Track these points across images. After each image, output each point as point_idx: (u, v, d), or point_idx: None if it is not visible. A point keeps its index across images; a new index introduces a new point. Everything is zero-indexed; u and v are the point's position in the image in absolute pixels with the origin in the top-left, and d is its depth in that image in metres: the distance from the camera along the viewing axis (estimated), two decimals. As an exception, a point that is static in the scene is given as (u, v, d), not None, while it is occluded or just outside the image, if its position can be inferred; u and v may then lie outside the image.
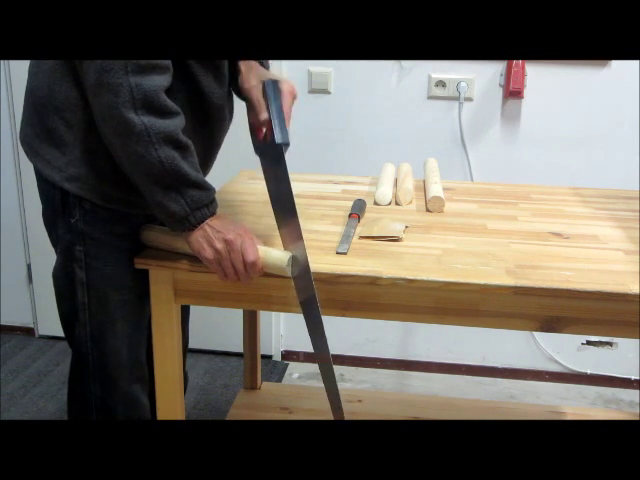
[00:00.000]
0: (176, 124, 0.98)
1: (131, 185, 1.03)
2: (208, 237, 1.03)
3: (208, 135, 1.15)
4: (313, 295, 1.06)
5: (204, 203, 1.03)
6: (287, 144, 1.06)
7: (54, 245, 1.17)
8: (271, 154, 1.08)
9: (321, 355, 1.11)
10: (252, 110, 1.13)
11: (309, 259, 1.06)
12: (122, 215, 1.11)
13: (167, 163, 0.97)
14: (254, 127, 1.13)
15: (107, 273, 1.12)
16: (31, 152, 1.11)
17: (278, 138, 1.05)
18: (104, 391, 1.18)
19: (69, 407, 1.24)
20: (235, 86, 1.17)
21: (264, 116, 1.09)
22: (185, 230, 1.04)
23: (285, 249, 1.09)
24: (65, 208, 1.10)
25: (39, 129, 1.08)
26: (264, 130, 1.11)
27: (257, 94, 1.11)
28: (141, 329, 1.20)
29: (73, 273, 1.12)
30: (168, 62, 0.97)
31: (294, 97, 1.14)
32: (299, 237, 1.06)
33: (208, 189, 1.04)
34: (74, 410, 1.24)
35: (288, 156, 1.07)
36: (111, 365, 1.17)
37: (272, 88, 1.09)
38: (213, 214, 1.05)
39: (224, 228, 1.04)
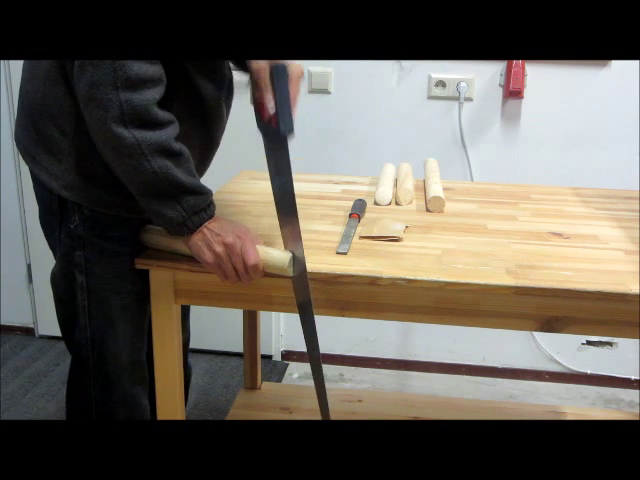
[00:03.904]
0: (168, 133, 0.98)
1: (128, 191, 1.03)
2: (207, 240, 1.03)
3: (206, 136, 1.15)
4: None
5: (201, 207, 1.03)
6: (291, 133, 1.06)
7: (52, 247, 1.17)
8: (274, 138, 1.07)
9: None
10: (257, 89, 1.10)
11: (309, 259, 1.06)
12: (121, 219, 1.11)
13: (161, 173, 0.97)
14: (259, 106, 1.11)
15: (107, 277, 1.12)
16: (27, 156, 1.11)
17: (282, 128, 1.05)
18: (104, 394, 1.18)
19: (68, 411, 1.24)
20: (240, 61, 1.15)
21: (270, 98, 1.07)
22: (184, 235, 1.04)
23: (285, 248, 1.09)
24: (63, 213, 1.10)
25: (34, 134, 1.08)
26: (269, 112, 1.08)
27: (265, 76, 1.07)
28: (141, 331, 1.20)
29: (73, 278, 1.12)
30: (160, 74, 0.97)
31: (301, 78, 1.12)
32: (298, 236, 1.06)
33: (205, 193, 1.03)
34: (74, 414, 1.23)
35: (290, 156, 1.07)
36: (111, 368, 1.17)
37: (281, 74, 1.07)
38: (211, 217, 1.05)
39: (223, 231, 1.04)
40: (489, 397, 2.18)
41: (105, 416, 1.20)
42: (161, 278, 1.13)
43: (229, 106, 1.21)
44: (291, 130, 1.05)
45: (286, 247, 1.09)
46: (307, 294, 1.06)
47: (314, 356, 1.12)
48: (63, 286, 1.15)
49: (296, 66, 1.10)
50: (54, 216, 1.11)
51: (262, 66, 1.08)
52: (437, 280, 1.06)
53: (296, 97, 1.09)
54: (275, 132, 1.06)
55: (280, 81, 1.06)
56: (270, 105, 1.06)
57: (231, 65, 1.21)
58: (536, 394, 2.22)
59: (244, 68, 1.14)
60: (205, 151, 1.17)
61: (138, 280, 1.14)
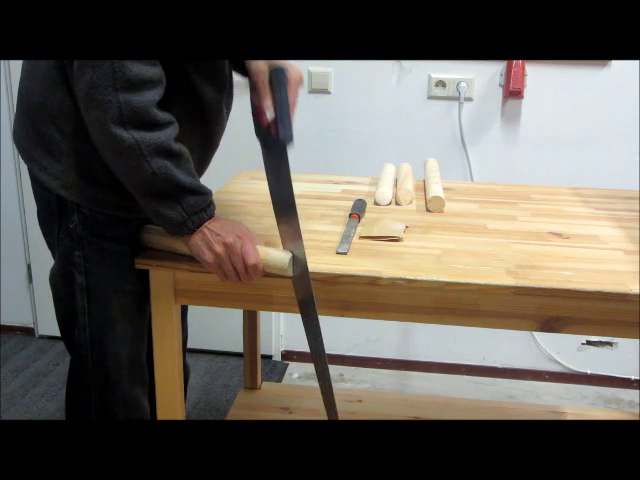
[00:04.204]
0: (168, 134, 0.98)
1: (127, 191, 1.03)
2: (207, 241, 1.03)
3: (206, 137, 1.15)
4: (311, 296, 1.06)
5: (201, 207, 1.03)
6: (291, 142, 1.04)
7: (50, 246, 1.17)
8: (273, 146, 1.06)
9: (317, 356, 1.12)
10: (256, 93, 1.09)
11: (309, 259, 1.06)
12: (120, 219, 1.11)
13: (161, 174, 0.97)
14: (257, 111, 1.10)
15: (107, 277, 1.12)
16: (26, 156, 1.11)
17: (282, 136, 1.03)
18: (104, 394, 1.18)
19: (67, 411, 1.24)
20: (240, 63, 1.14)
21: (269, 104, 1.06)
22: (184, 235, 1.04)
23: (284, 248, 1.09)
24: (62, 213, 1.10)
25: (33, 134, 1.08)
26: (267, 117, 1.07)
27: (263, 79, 1.07)
28: (141, 331, 1.20)
29: (72, 277, 1.12)
30: (160, 75, 0.97)
31: (301, 84, 1.11)
32: (298, 236, 1.06)
33: (204, 193, 1.03)
34: (73, 414, 1.23)
35: (289, 156, 1.06)
36: (111, 368, 1.17)
37: (280, 78, 1.06)
38: (211, 217, 1.05)
39: (223, 231, 1.04)
40: (489, 397, 2.18)
41: (104, 416, 1.19)
42: (161, 278, 1.13)
43: (229, 108, 1.21)
44: (291, 138, 1.04)
45: (285, 247, 1.09)
46: (309, 292, 1.06)
47: (318, 355, 1.12)
48: (62, 286, 1.15)
49: (296, 71, 1.10)
50: (53, 216, 1.11)
51: (261, 69, 1.08)
52: (437, 280, 1.06)
53: (295, 103, 1.09)
54: (274, 140, 1.04)
55: (279, 85, 1.05)
56: (269, 110, 1.06)
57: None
58: (536, 394, 2.22)
59: (243, 71, 1.14)
60: (204, 152, 1.17)
61: (138, 280, 1.14)
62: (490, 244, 1.21)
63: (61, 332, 1.21)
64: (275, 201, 1.09)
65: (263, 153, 1.09)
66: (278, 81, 1.06)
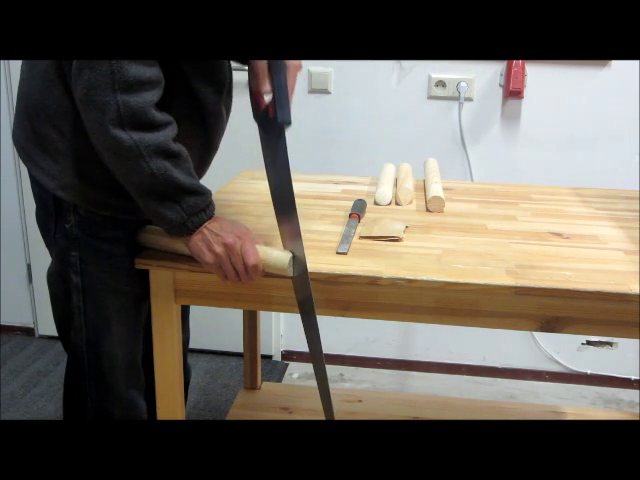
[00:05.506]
0: (166, 134, 0.98)
1: (126, 192, 1.03)
2: (207, 241, 1.03)
3: (205, 139, 1.15)
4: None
5: (201, 208, 1.03)
6: (289, 123, 1.05)
7: (48, 246, 1.17)
8: (271, 128, 1.06)
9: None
10: (255, 78, 1.09)
11: (309, 259, 1.06)
12: (117, 220, 1.11)
13: (160, 174, 0.97)
14: (255, 95, 1.10)
15: (103, 278, 1.12)
16: (24, 156, 1.11)
17: (280, 118, 1.03)
18: (100, 395, 1.18)
19: (65, 412, 1.24)
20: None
21: (267, 88, 1.06)
22: (183, 235, 1.04)
23: (284, 247, 1.09)
24: (59, 213, 1.10)
25: (31, 134, 1.08)
26: (265, 101, 1.07)
27: (262, 64, 1.07)
28: (137, 333, 1.20)
29: (68, 278, 1.12)
30: (158, 76, 0.97)
31: (299, 70, 1.11)
32: (298, 235, 1.06)
33: (204, 193, 1.03)
34: (70, 414, 1.23)
35: (289, 156, 1.06)
36: (107, 369, 1.17)
37: (279, 62, 1.06)
38: (211, 217, 1.05)
39: (223, 231, 1.04)
40: (489, 397, 2.18)
41: (101, 417, 1.19)
42: (161, 278, 1.13)
43: (229, 109, 1.20)
44: (289, 120, 1.04)
45: (285, 246, 1.09)
46: (308, 291, 1.06)
47: (317, 355, 1.12)
48: (59, 286, 1.15)
49: None
50: (50, 216, 1.11)
51: None
52: (437, 280, 1.06)
53: (293, 87, 1.09)
54: (272, 122, 1.04)
55: (278, 69, 1.06)
56: (267, 93, 1.06)
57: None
58: (536, 394, 2.22)
59: (242, 59, 1.14)
60: (204, 154, 1.17)
61: (134, 281, 1.14)
62: (490, 244, 1.21)
63: (58, 332, 1.21)
64: (273, 188, 1.08)
65: (261, 136, 1.09)
66: (277, 65, 1.06)
